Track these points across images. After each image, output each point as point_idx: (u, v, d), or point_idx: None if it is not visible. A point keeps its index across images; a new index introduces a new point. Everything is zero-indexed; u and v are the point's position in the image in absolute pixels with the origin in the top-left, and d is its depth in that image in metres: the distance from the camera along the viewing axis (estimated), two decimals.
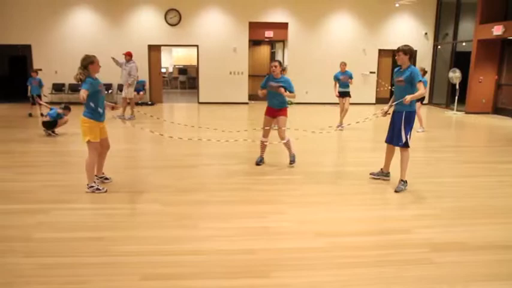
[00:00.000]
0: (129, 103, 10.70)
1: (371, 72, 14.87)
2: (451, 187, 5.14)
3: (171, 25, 13.99)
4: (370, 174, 5.37)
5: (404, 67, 4.79)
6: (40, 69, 13.81)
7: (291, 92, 5.75)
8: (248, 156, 6.64)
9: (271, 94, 5.83)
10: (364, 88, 14.56)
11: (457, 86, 12.41)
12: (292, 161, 5.96)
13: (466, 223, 3.98)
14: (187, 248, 3.38)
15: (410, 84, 4.71)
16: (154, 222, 3.92)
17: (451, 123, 11.20)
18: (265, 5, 14.21)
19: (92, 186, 4.69)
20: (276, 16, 14.35)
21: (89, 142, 4.61)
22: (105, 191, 4.69)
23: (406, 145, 4.81)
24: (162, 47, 14.86)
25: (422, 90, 4.70)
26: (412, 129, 4.87)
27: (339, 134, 8.98)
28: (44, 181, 5.20)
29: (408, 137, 4.77)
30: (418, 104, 9.13)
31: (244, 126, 10.00)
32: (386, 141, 5.12)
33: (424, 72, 9.16)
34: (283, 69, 9.38)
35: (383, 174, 5.30)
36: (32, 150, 7.12)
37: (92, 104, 4.56)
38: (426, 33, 14.78)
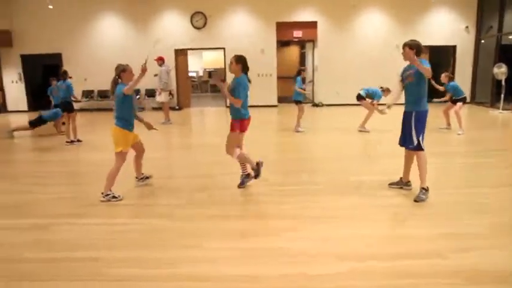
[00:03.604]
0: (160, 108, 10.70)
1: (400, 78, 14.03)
2: (491, 199, 4.49)
3: (197, 28, 13.84)
4: (389, 184, 4.88)
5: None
6: (71, 77, 14.08)
7: (232, 95, 4.57)
8: (271, 163, 6.26)
9: None
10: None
11: (503, 83, 11.44)
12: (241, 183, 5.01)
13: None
14: (186, 272, 3.04)
15: (419, 79, 4.33)
16: (158, 240, 3.62)
17: (496, 124, 10.29)
18: (292, 4, 13.76)
19: (108, 195, 4.54)
20: (304, 15, 13.87)
21: (120, 152, 4.54)
22: (121, 199, 4.54)
23: (418, 148, 4.40)
24: (192, 51, 14.75)
25: (428, 68, 4.20)
26: (425, 130, 4.43)
27: (369, 136, 8.42)
28: (56, 193, 5.03)
29: (420, 139, 4.38)
30: (459, 104, 8.46)
31: (273, 131, 9.63)
32: (399, 144, 4.71)
33: (450, 78, 8.53)
34: (302, 71, 8.95)
35: (403, 184, 4.79)
36: (52, 160, 7.06)
37: (123, 113, 4.57)
38: (467, 27, 13.80)
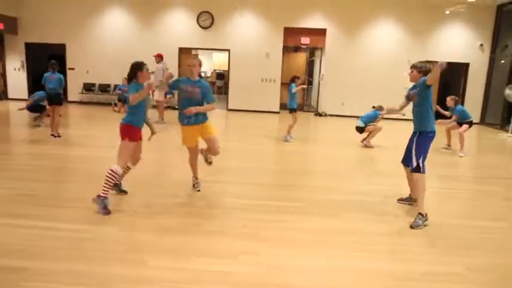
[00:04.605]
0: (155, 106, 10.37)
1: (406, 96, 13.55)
2: (486, 234, 4.03)
3: (203, 28, 13.55)
4: (398, 200, 4.79)
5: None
6: (73, 68, 13.94)
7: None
8: (251, 174, 5.87)
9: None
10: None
11: None
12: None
13: None
14: None
15: (423, 99, 4.14)
16: (101, 251, 3.25)
17: (503, 148, 9.72)
18: (302, 9, 13.39)
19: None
20: (314, 22, 13.48)
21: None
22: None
23: (417, 170, 4.14)
24: (201, 51, 14.41)
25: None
26: (427, 153, 4.21)
27: (368, 153, 7.97)
28: (15, 189, 4.69)
29: (420, 161, 4.13)
30: (465, 126, 8.02)
31: (264, 138, 9.20)
32: (402, 162, 4.58)
33: (456, 101, 8.13)
34: (296, 78, 8.54)
35: (412, 200, 4.63)
36: (31, 152, 6.76)
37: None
38: (482, 45, 13.26)
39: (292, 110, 8.44)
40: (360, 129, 8.39)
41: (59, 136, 7.73)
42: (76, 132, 8.88)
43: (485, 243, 3.80)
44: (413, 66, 4.23)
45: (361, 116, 8.50)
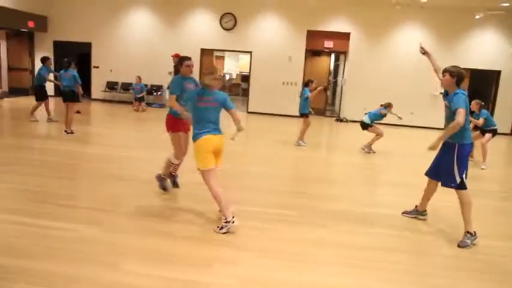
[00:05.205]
0: None
1: (441, 93, 12.99)
2: (494, 255, 3.70)
3: (226, 29, 13.50)
4: (403, 213, 4.56)
5: (451, 92, 3.94)
6: (97, 67, 14.24)
7: None
8: (251, 178, 5.70)
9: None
10: (432, 110, 12.72)
11: None
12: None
13: None
14: None
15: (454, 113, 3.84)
16: (80, 253, 3.18)
17: None
18: (325, 13, 13.12)
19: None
20: (337, 25, 13.18)
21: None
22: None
23: (461, 187, 3.87)
24: (228, 53, 14.41)
25: (457, 120, 3.72)
26: (467, 167, 3.94)
27: (378, 161, 7.63)
28: (21, 184, 4.75)
29: (464, 176, 3.86)
30: (488, 135, 7.56)
31: (276, 142, 8.99)
32: (426, 174, 4.29)
33: (481, 106, 7.63)
34: (310, 82, 8.24)
35: (418, 213, 4.47)
36: (44, 148, 6.89)
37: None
38: None
39: (303, 115, 8.23)
40: (365, 126, 8.07)
41: (71, 133, 7.83)
42: (91, 129, 9.00)
43: (497, 267, 3.48)
44: (445, 70, 3.99)
45: (369, 112, 8.18)
